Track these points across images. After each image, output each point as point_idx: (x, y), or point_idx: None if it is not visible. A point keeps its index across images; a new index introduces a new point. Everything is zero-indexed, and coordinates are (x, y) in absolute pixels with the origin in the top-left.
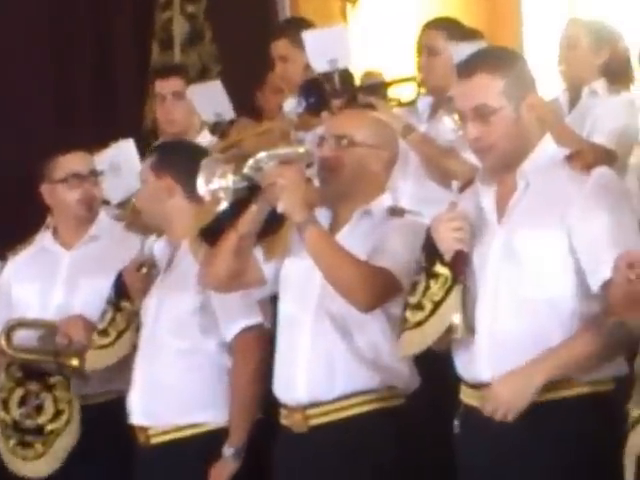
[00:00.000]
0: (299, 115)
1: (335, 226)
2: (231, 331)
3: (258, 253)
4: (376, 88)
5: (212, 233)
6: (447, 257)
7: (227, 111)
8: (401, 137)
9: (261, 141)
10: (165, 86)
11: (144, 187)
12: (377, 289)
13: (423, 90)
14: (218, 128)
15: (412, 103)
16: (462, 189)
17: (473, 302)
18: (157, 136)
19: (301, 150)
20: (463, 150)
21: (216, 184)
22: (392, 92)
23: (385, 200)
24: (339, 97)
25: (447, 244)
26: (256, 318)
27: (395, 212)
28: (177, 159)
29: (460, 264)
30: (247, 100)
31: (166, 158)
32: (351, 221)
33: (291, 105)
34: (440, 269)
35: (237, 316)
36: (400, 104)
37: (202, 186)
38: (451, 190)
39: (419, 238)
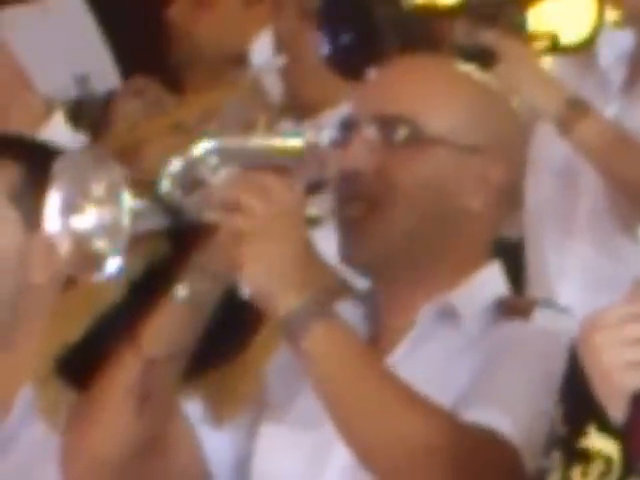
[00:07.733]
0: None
1: (379, 338)
2: None
3: (194, 407)
4: (500, 5)
5: (83, 360)
6: (615, 414)
7: (102, 70)
8: (558, 130)
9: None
10: None
11: None
12: (469, 472)
13: (612, 15)
14: (84, 111)
15: (585, 47)
16: None
17: None
18: None
19: (297, 144)
20: None
21: (92, 218)
22: (540, 19)
23: (490, 280)
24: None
25: (616, 381)
26: None
27: (512, 308)
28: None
29: None
30: (147, 39)
31: None
32: (415, 327)
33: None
34: (597, 441)
35: None
36: (557, 49)
37: (55, 220)
38: None
39: (558, 368)
